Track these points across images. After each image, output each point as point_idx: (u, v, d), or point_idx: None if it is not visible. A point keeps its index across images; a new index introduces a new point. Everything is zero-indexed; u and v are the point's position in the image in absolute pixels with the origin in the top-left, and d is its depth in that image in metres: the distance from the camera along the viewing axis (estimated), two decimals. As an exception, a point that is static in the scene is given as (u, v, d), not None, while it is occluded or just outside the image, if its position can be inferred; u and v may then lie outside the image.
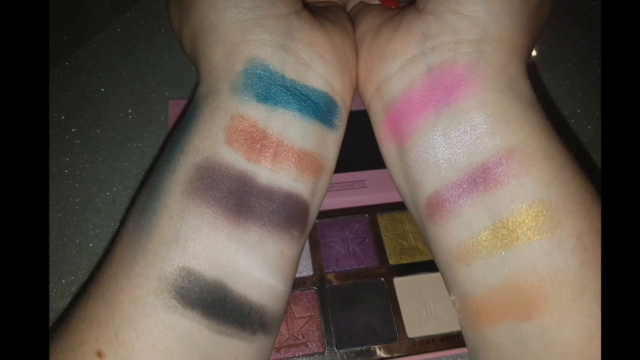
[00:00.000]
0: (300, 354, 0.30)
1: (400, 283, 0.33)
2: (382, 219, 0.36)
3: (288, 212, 0.21)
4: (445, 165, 0.21)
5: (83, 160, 0.37)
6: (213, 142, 0.20)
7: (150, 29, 0.45)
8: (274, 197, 0.21)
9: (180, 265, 0.19)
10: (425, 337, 0.31)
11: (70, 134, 0.39)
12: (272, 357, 0.29)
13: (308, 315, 0.31)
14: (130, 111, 0.40)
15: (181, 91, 0.42)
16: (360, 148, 0.38)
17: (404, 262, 0.34)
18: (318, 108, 0.22)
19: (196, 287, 0.19)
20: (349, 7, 0.30)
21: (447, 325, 0.31)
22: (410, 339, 0.31)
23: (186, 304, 0.19)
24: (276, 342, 0.30)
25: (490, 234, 0.20)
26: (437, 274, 0.32)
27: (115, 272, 0.19)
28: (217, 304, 0.19)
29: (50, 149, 0.37)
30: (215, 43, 0.22)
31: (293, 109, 0.22)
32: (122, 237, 0.21)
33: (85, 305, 0.20)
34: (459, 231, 0.21)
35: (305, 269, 0.33)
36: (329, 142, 0.23)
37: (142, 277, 0.19)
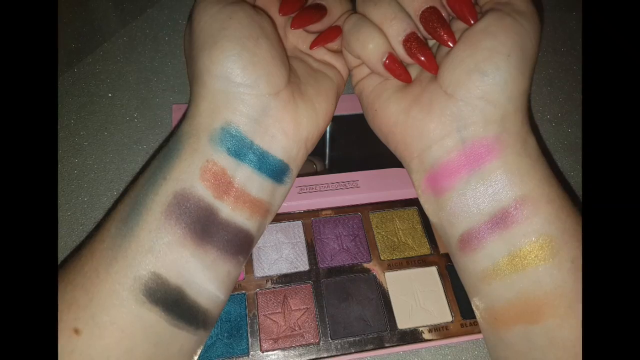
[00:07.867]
0: (297, 344, 0.31)
1: (391, 277, 0.34)
2: (374, 217, 0.37)
3: (238, 243, 0.26)
4: (474, 211, 0.26)
5: (91, 161, 0.39)
6: (191, 176, 0.24)
7: (154, 37, 0.46)
8: (230, 230, 0.25)
9: (152, 270, 0.23)
10: (414, 328, 0.32)
11: (79, 136, 0.40)
12: (271, 347, 0.31)
13: (304, 308, 0.33)
14: (136, 115, 0.41)
15: (184, 96, 0.43)
16: (353, 150, 0.41)
17: (394, 258, 0.35)
18: (275, 170, 0.27)
19: (162, 289, 0.23)
20: (356, 78, 0.32)
21: (435, 317, 0.33)
22: (400, 330, 0.32)
23: (152, 301, 0.23)
24: (274, 333, 0.32)
25: (507, 261, 0.25)
26: (426, 269, 0.35)
27: (96, 267, 0.23)
28: (175, 304, 0.24)
29: (60, 151, 0.39)
30: (204, 97, 0.25)
31: (255, 167, 0.26)
32: (103, 237, 0.24)
33: (64, 290, 0.23)
34: (483, 260, 0.26)
35: (302, 264, 0.34)
36: (277, 194, 0.28)
37: (120, 274, 0.23)
